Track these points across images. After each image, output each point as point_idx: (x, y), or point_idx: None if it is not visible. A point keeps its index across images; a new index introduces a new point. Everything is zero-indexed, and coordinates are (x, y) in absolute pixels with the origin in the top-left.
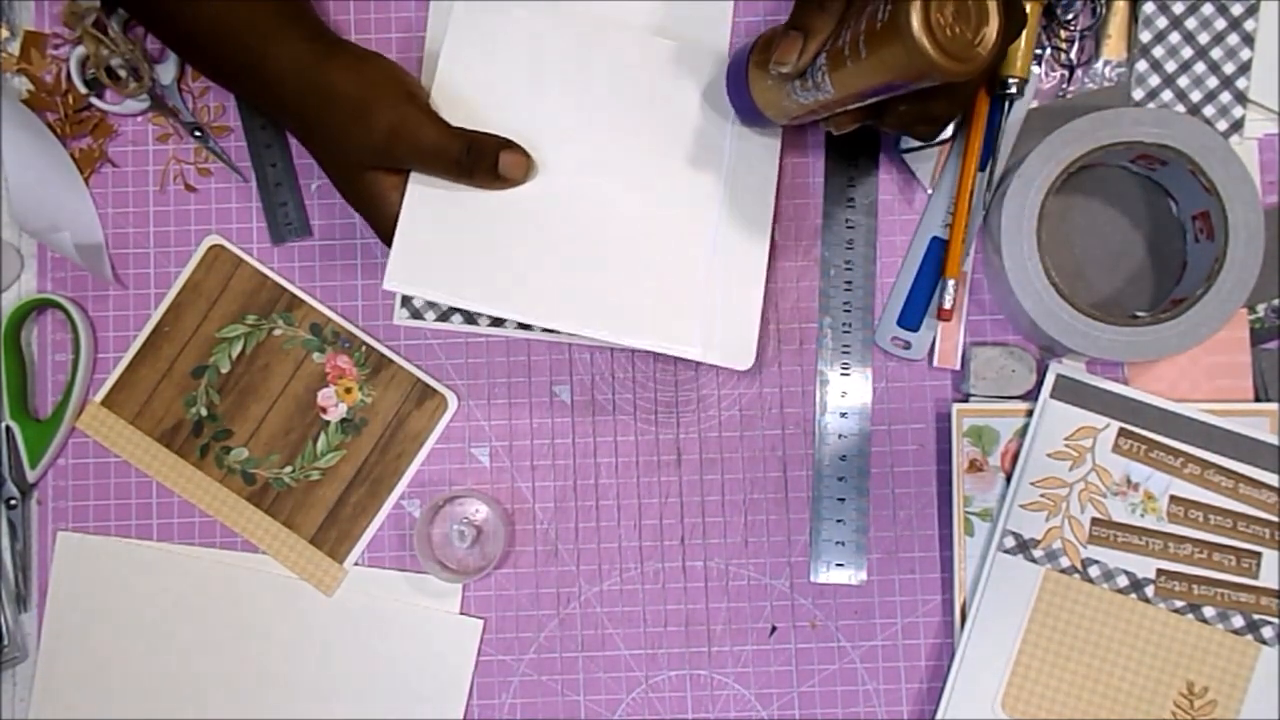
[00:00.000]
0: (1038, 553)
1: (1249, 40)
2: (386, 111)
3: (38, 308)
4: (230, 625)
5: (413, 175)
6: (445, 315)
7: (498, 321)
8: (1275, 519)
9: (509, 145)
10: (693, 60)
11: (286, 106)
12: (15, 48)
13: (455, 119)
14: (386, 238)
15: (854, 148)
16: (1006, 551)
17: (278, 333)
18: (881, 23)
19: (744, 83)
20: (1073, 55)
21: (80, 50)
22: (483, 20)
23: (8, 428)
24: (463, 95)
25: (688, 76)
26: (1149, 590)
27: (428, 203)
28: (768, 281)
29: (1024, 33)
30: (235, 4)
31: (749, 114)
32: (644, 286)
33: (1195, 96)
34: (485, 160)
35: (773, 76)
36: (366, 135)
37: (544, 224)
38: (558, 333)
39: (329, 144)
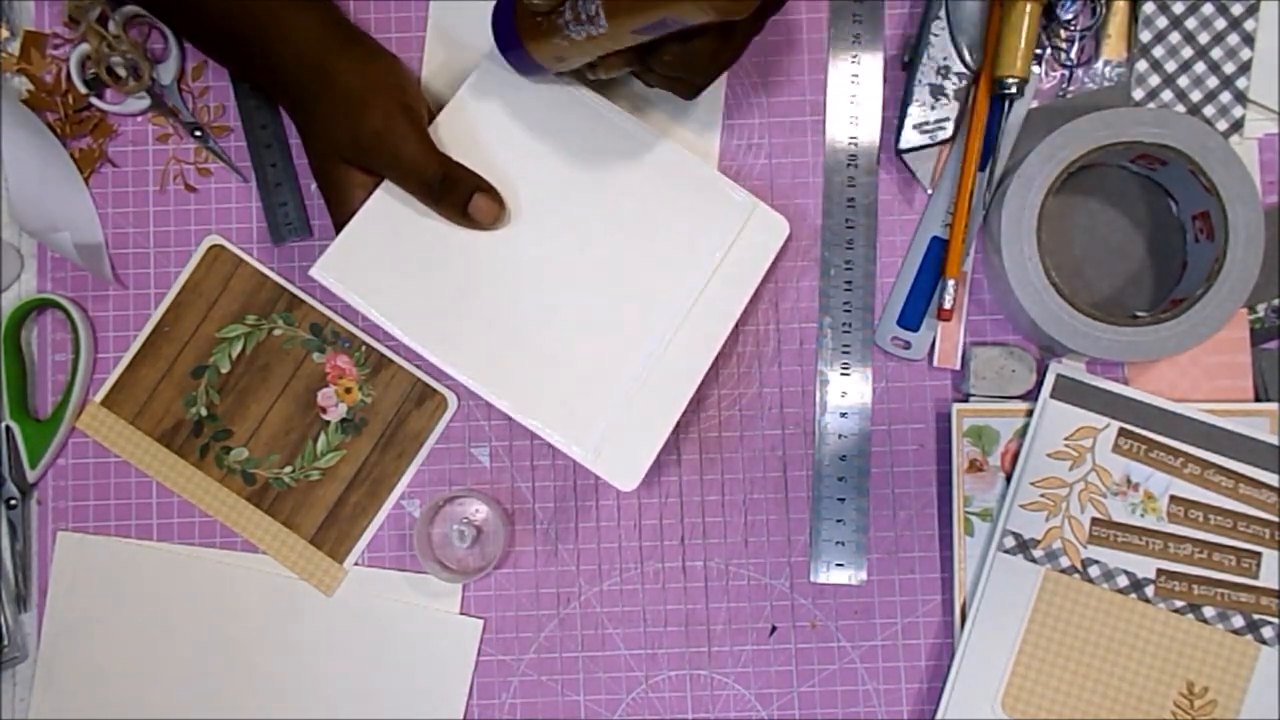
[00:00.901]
0: (1038, 553)
1: (1249, 40)
2: (378, 116)
3: (38, 308)
4: (230, 625)
5: (385, 183)
6: None
7: None
8: (1275, 519)
9: (487, 189)
10: (696, 175)
11: (287, 85)
12: (15, 48)
13: (448, 149)
14: (338, 230)
15: (853, 151)
16: (1006, 551)
17: (278, 333)
18: None
19: (511, 24)
20: (1073, 55)
21: (80, 50)
22: (504, 76)
23: (8, 428)
24: (465, 129)
25: (689, 190)
26: (1149, 590)
27: (389, 213)
28: (767, 281)
29: (1025, 32)
30: None
31: (519, 59)
32: (563, 375)
33: (1195, 96)
34: (457, 194)
35: (533, 9)
36: (353, 132)
37: (491, 281)
38: None
39: (315, 127)
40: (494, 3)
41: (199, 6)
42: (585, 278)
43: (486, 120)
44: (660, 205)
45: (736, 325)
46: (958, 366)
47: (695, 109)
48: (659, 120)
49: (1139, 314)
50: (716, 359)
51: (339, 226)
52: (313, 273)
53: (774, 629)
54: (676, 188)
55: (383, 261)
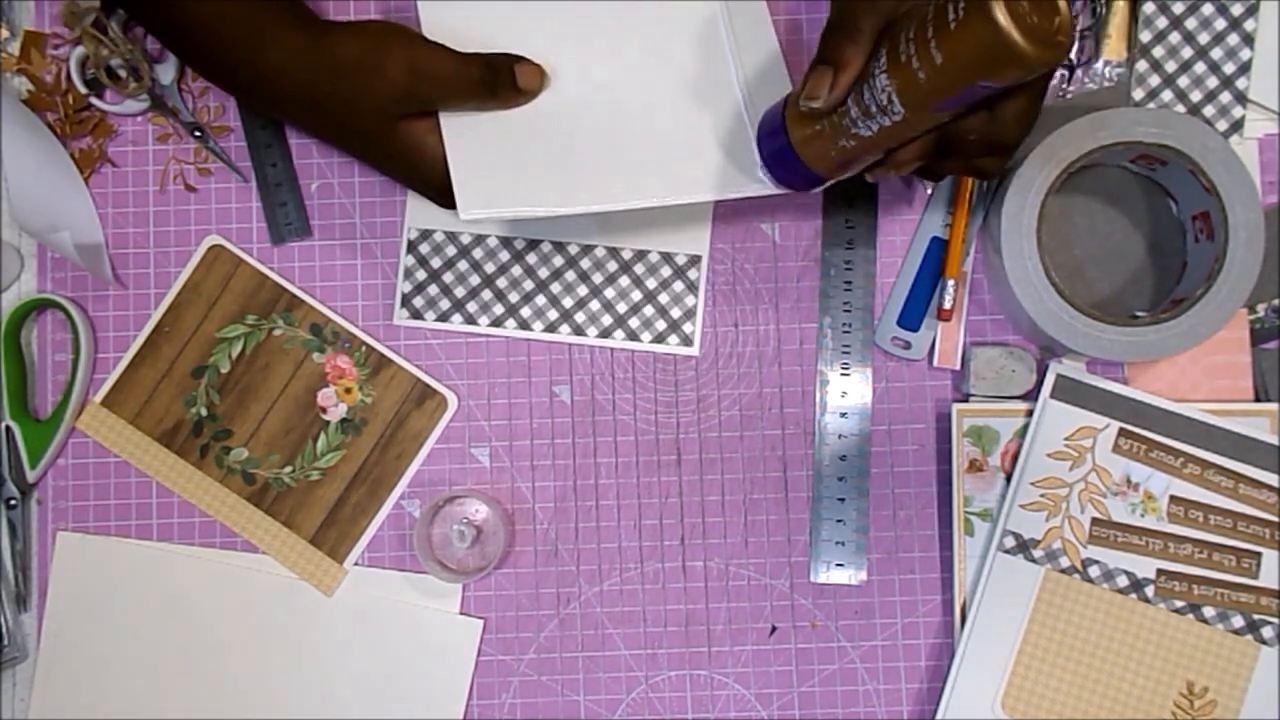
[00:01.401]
0: (1038, 553)
1: (1249, 40)
2: (399, 55)
3: (38, 308)
4: (230, 625)
5: (442, 114)
6: (445, 315)
7: (497, 322)
8: (1275, 519)
9: (519, 59)
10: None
11: (293, 96)
12: (15, 48)
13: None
14: (436, 184)
15: None
16: (1006, 551)
17: (278, 333)
18: (956, 21)
19: (782, 136)
20: (1073, 55)
21: (80, 50)
22: None
23: (8, 428)
24: (450, 31)
25: None
26: (1149, 590)
27: (465, 131)
28: (769, 282)
29: None
30: (219, 5)
31: (791, 172)
32: (694, 136)
33: (1195, 96)
34: (504, 75)
35: (809, 116)
36: (386, 84)
37: (573, 117)
38: (557, 332)
39: (349, 112)
40: (759, 122)
41: (185, 41)
42: (634, 63)
43: (459, 14)
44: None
45: (737, 325)
46: (958, 366)
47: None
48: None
49: (1139, 314)
50: (716, 358)
51: (434, 180)
52: (463, 216)
53: (774, 629)
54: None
55: (500, 167)
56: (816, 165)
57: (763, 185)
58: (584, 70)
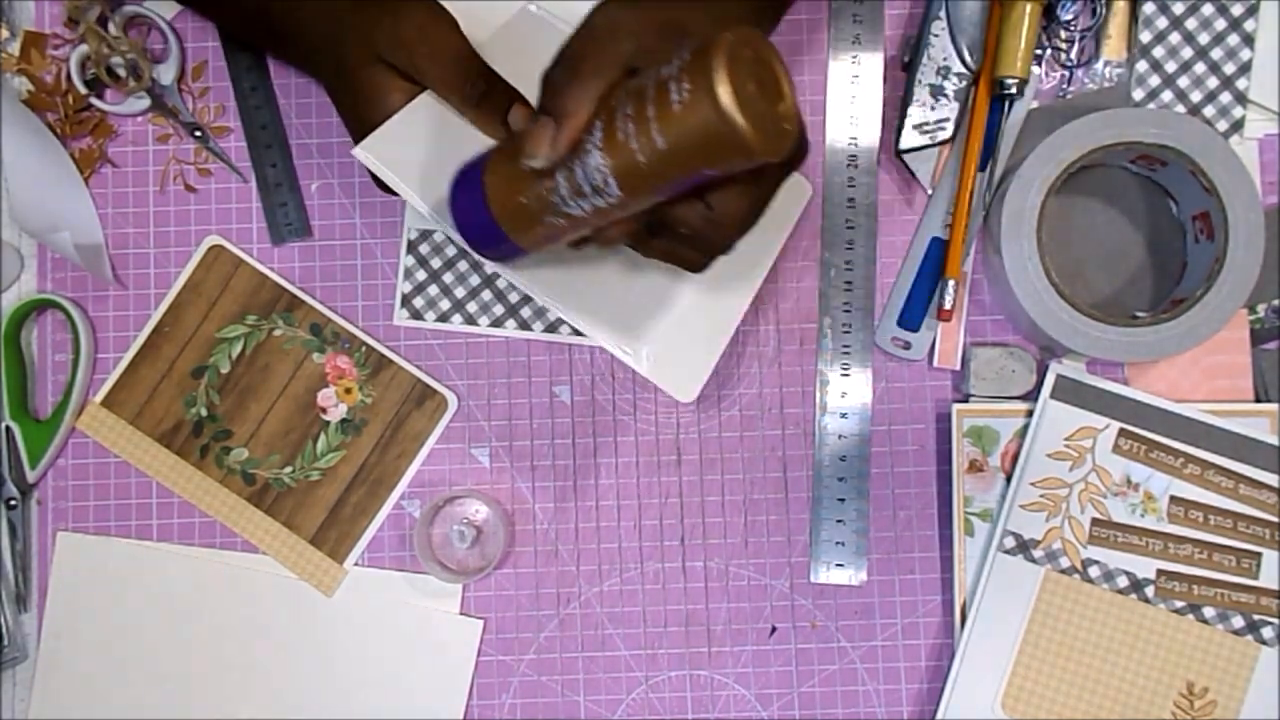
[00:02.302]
0: (1038, 553)
1: (1249, 40)
2: (421, 12)
3: (38, 308)
4: (230, 625)
5: (427, 91)
6: (445, 315)
7: (497, 322)
8: (1275, 519)
9: (523, 99)
10: None
11: (311, 21)
12: (15, 48)
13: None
14: (362, 133)
15: (853, 151)
16: (1006, 552)
17: (278, 333)
18: (681, 103)
19: (480, 200)
20: (1073, 55)
21: (81, 50)
22: (539, 27)
23: (8, 428)
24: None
25: None
26: (1149, 590)
27: (433, 115)
28: (768, 282)
29: (1025, 33)
30: None
31: (484, 237)
32: (607, 286)
33: (1195, 97)
34: (498, 97)
35: (520, 179)
36: (394, 28)
37: None
38: (557, 332)
39: (349, 34)
40: (454, 178)
41: None
42: None
43: (518, 64)
44: None
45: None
46: (958, 367)
47: None
48: None
49: (1139, 314)
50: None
51: (365, 130)
52: (355, 151)
53: (774, 629)
54: None
55: (424, 155)
56: (519, 238)
57: (634, 360)
58: None
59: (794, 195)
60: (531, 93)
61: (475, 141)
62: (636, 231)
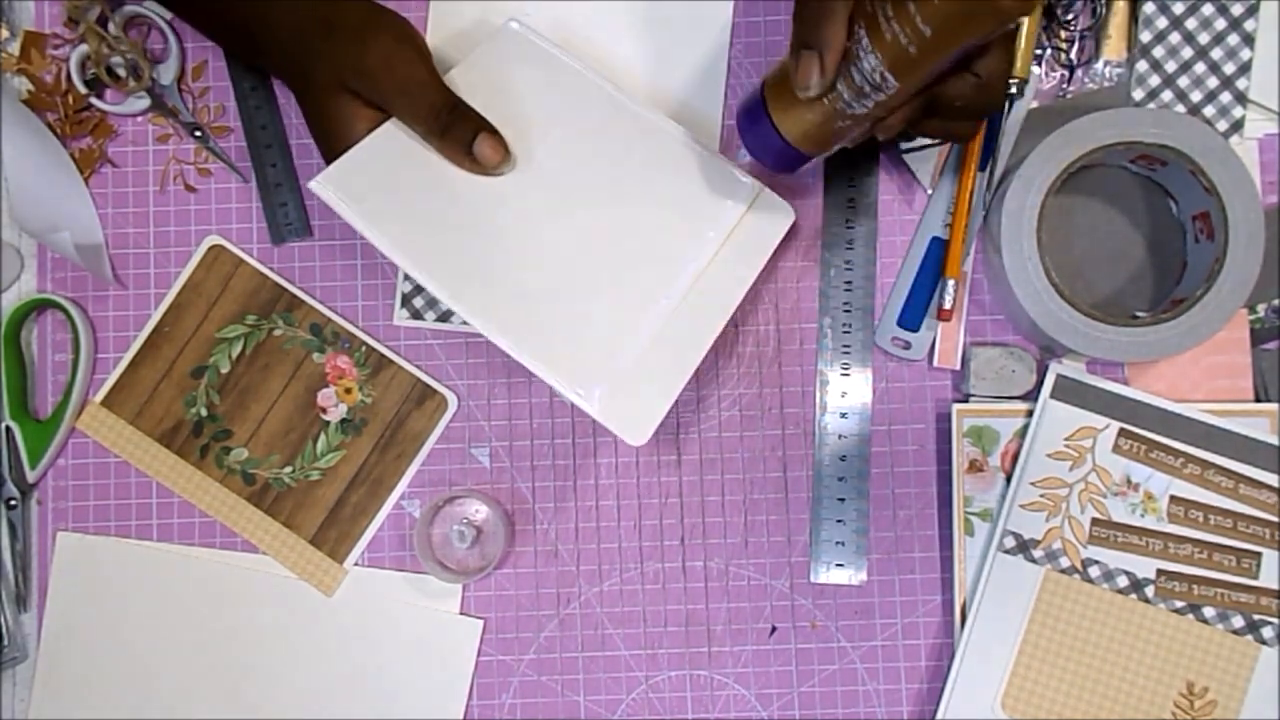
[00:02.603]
0: (1038, 553)
1: (1249, 40)
2: (387, 40)
3: (38, 308)
4: (230, 625)
5: (393, 120)
6: (445, 315)
7: None
8: (1275, 519)
9: (493, 132)
10: (703, 157)
11: (285, 24)
12: (15, 48)
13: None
14: (330, 159)
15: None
16: (1006, 551)
17: (278, 333)
18: None
19: (766, 125)
20: (1073, 55)
21: (80, 50)
22: (522, 46)
23: (8, 428)
24: (476, 86)
25: (695, 170)
26: (1149, 590)
27: (397, 144)
28: (767, 281)
29: (1024, 33)
30: None
31: (783, 161)
32: (565, 326)
33: (1195, 97)
34: (463, 129)
35: (804, 103)
36: (360, 58)
37: (493, 226)
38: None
39: (317, 61)
40: (736, 115)
41: None
42: (589, 237)
43: (499, 81)
44: (666, 181)
45: (736, 325)
46: (958, 366)
47: (694, 107)
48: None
49: (1139, 314)
50: (717, 359)
51: (332, 155)
52: (311, 185)
53: (774, 629)
54: (683, 167)
55: (385, 188)
56: (808, 147)
57: (584, 401)
58: (547, 202)
59: (773, 222)
60: (512, 109)
61: (440, 170)
62: (914, 117)
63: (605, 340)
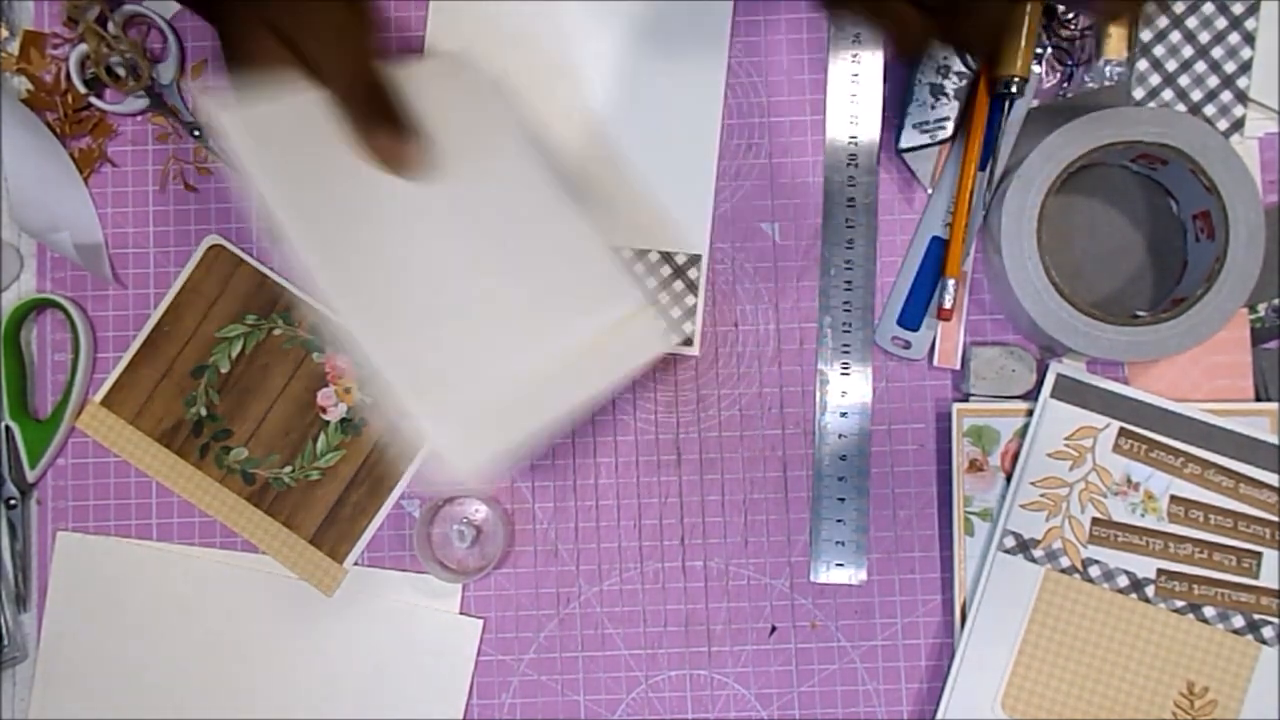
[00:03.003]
0: (1038, 553)
1: (1250, 39)
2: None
3: (37, 308)
4: (231, 625)
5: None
6: None
7: None
8: (1275, 519)
9: (412, 130)
10: (600, 256)
11: None
12: (15, 47)
13: None
14: (231, 72)
15: (853, 150)
16: (1006, 551)
17: (277, 332)
18: None
19: None
20: (1073, 55)
21: (80, 49)
22: (477, 79)
23: (7, 428)
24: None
25: (589, 262)
26: (1149, 590)
27: (316, 112)
28: (766, 281)
29: (1025, 31)
30: None
31: None
32: (435, 340)
33: (1196, 95)
34: (382, 109)
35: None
36: None
37: (389, 225)
38: None
39: None
40: None
41: None
42: (472, 272)
43: (438, 93)
44: (558, 258)
45: (736, 325)
46: (958, 366)
47: (694, 107)
48: (660, 119)
49: (1139, 314)
50: (716, 358)
51: (234, 73)
52: (220, 114)
53: (774, 629)
54: (580, 255)
55: (289, 147)
56: None
57: (421, 416)
58: (444, 228)
59: (646, 342)
60: (439, 121)
61: (345, 160)
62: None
63: (460, 365)
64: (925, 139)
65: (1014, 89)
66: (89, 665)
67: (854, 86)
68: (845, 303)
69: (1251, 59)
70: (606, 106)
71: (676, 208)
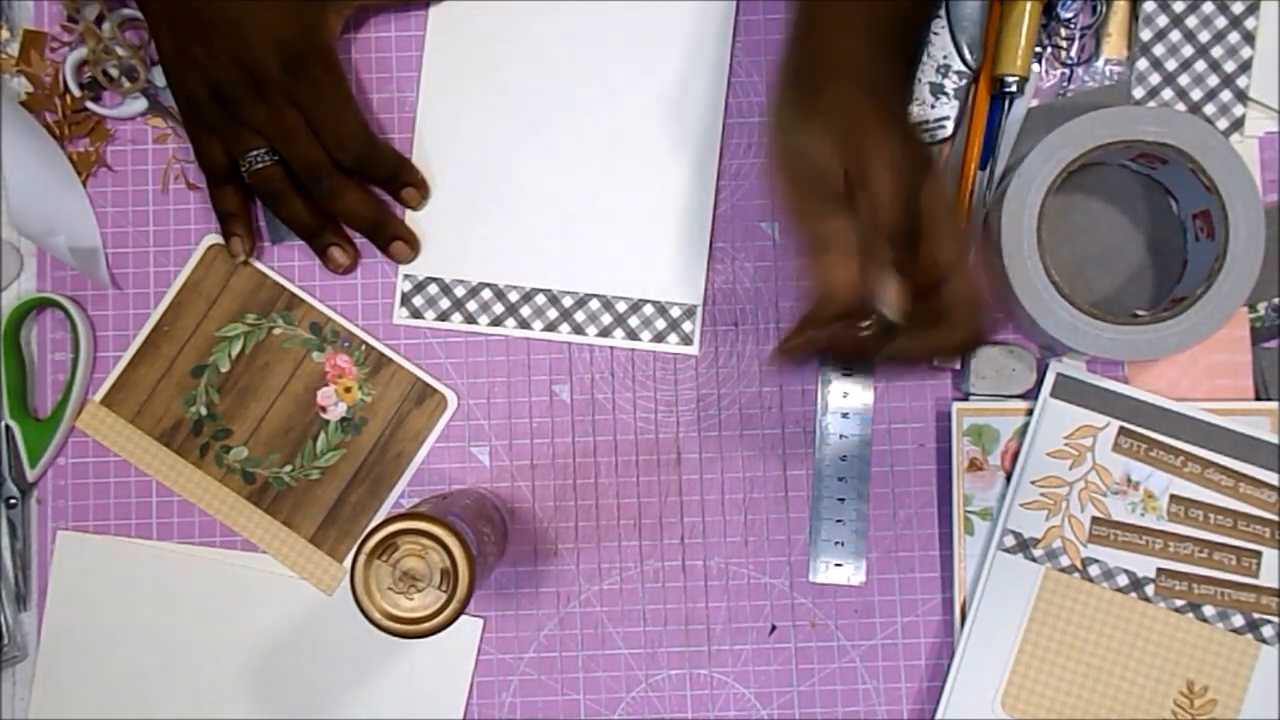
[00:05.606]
0: (1038, 552)
1: (1250, 38)
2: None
3: (37, 307)
4: (230, 625)
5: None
6: (445, 315)
7: (497, 321)
8: (1275, 518)
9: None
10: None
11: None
12: (14, 48)
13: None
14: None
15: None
16: (1006, 551)
17: (277, 332)
18: None
19: None
20: (1073, 53)
21: (76, 54)
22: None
23: (7, 427)
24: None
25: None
26: (1149, 589)
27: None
28: (766, 280)
29: (1025, 30)
30: None
31: None
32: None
33: (1196, 95)
34: (394, 177)
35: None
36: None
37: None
38: (557, 331)
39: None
40: None
41: None
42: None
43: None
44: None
45: (736, 325)
46: (958, 365)
47: (694, 105)
48: (660, 119)
49: (1139, 313)
50: (716, 358)
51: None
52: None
53: (774, 628)
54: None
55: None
56: None
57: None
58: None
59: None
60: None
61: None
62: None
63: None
64: (925, 138)
65: (1014, 88)
66: (89, 665)
67: None
68: None
69: (1251, 58)
70: (606, 109)
71: (678, 207)
